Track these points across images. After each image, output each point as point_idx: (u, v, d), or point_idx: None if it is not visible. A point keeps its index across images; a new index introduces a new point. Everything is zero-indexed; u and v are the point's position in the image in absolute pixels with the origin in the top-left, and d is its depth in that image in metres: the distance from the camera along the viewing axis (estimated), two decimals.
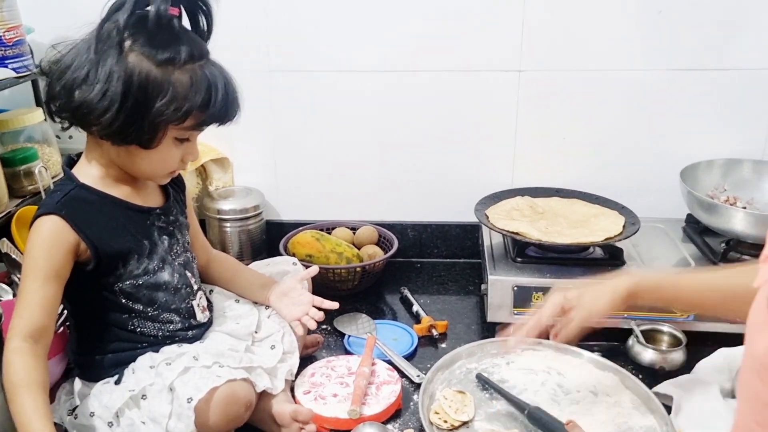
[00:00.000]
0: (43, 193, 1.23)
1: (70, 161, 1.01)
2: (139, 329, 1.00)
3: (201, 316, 1.08)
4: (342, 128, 1.52)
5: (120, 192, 0.99)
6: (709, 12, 1.37)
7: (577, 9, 1.39)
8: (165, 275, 1.02)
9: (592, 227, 1.33)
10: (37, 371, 0.87)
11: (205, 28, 0.99)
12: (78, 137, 1.47)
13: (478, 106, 1.49)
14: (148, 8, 0.90)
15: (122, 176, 0.99)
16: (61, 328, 1.08)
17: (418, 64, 1.46)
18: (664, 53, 1.41)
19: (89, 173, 0.98)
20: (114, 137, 0.92)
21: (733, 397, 1.04)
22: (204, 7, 0.98)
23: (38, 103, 1.41)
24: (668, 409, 1.05)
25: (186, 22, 0.98)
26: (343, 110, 1.51)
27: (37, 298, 0.89)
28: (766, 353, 0.63)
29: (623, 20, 1.40)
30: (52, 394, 1.06)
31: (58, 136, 1.46)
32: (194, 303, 1.07)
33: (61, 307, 1.02)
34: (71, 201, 0.94)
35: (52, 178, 1.31)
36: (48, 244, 0.91)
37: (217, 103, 0.94)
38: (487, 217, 1.36)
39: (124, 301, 0.98)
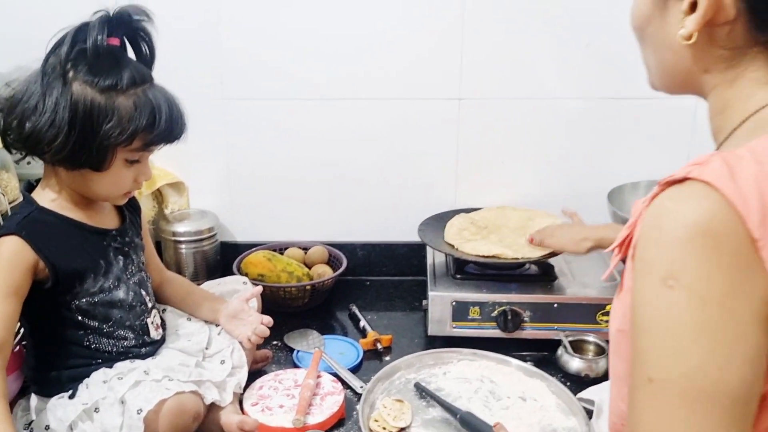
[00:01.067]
0: (0, 217, 1.27)
1: (30, 186, 1.08)
2: (94, 345, 1.06)
3: (154, 334, 1.14)
4: (294, 153, 1.59)
5: (77, 214, 1.05)
6: (632, 46, 1.48)
7: (512, 41, 1.50)
8: (120, 293, 1.08)
9: (524, 242, 1.42)
10: None
11: (148, 54, 1.06)
12: (36, 163, 1.54)
13: (422, 132, 1.58)
14: (87, 41, 0.97)
15: (79, 199, 1.06)
16: (18, 347, 1.13)
17: (364, 93, 1.54)
18: (592, 83, 1.52)
19: (47, 197, 1.04)
20: (66, 163, 0.99)
21: None
22: (144, 35, 1.05)
23: None
24: (590, 412, 1.14)
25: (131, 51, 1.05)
26: (295, 136, 1.58)
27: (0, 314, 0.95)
28: (616, 330, 0.72)
29: (555, 52, 1.51)
30: (9, 410, 1.11)
31: (16, 162, 1.52)
32: (148, 320, 1.13)
33: (18, 325, 1.07)
34: (31, 222, 1.00)
35: (10, 203, 1.36)
36: (8, 263, 0.97)
37: (161, 124, 1.01)
38: (429, 236, 1.45)
39: (80, 318, 1.04)
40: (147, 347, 1.12)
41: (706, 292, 0.56)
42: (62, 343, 1.05)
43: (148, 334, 1.13)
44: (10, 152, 1.03)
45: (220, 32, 1.50)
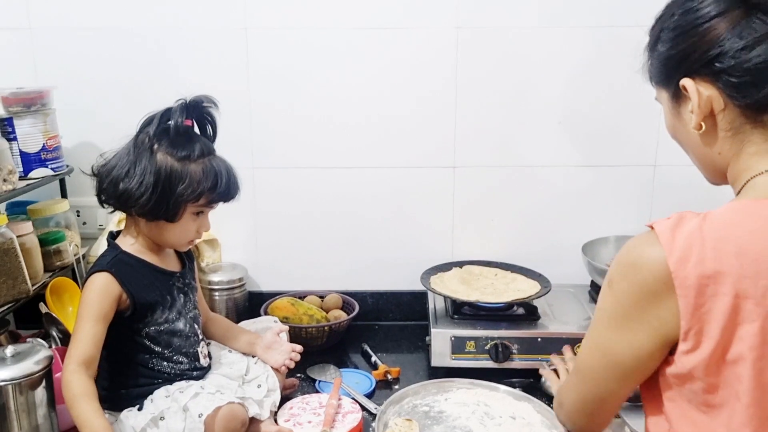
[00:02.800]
0: (75, 266, 1.51)
1: (112, 235, 1.32)
2: (157, 368, 1.28)
3: (203, 361, 1.36)
4: (312, 214, 1.83)
5: (150, 258, 1.30)
6: (596, 122, 1.76)
7: (497, 120, 1.76)
8: (180, 324, 1.31)
9: (513, 290, 1.66)
10: (90, 386, 1.14)
11: (211, 133, 1.34)
12: (91, 223, 1.80)
13: (422, 196, 1.82)
14: (170, 122, 1.25)
15: (151, 246, 1.30)
16: None
17: (373, 162, 1.79)
18: (566, 153, 1.78)
19: (128, 242, 1.29)
20: (147, 215, 1.24)
21: (618, 417, 1.34)
22: (209, 119, 1.33)
23: (64, 195, 1.71)
24: None
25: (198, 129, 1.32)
26: (313, 199, 1.82)
27: (90, 335, 1.18)
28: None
29: (534, 127, 1.77)
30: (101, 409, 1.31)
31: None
32: (199, 349, 1.35)
33: None
34: (117, 262, 1.24)
35: (74, 255, 1.60)
36: (100, 293, 1.20)
37: (222, 186, 1.27)
38: (430, 284, 1.69)
39: (148, 343, 1.27)
40: (197, 371, 1.34)
41: (620, 298, 0.83)
42: (132, 365, 1.27)
43: (198, 361, 1.35)
44: (103, 207, 1.28)
45: (251, 111, 1.77)
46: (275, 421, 1.35)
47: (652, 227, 0.81)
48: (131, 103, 1.74)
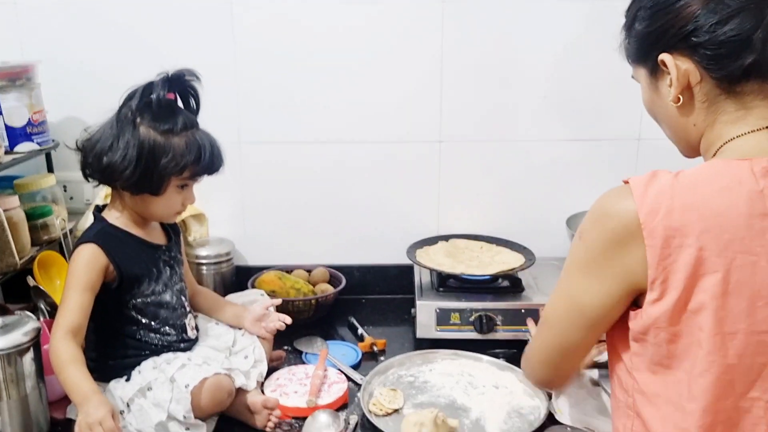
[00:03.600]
0: (62, 240, 1.52)
1: (98, 209, 1.33)
2: (145, 339, 1.30)
3: (190, 333, 1.38)
4: (299, 188, 1.84)
5: (136, 231, 1.31)
6: (580, 97, 1.78)
7: (483, 93, 1.77)
8: (167, 296, 1.33)
9: (497, 262, 1.68)
10: (78, 353, 1.16)
11: (194, 106, 1.34)
12: (78, 198, 1.81)
13: (408, 170, 1.83)
14: (152, 96, 1.25)
15: (137, 219, 1.31)
16: None
17: (360, 137, 1.80)
18: (550, 127, 1.79)
19: (113, 216, 1.30)
20: (131, 188, 1.25)
21: (597, 385, 1.37)
22: (192, 92, 1.33)
23: (50, 170, 1.71)
24: (550, 394, 1.38)
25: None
26: (300, 174, 1.83)
27: (77, 304, 1.19)
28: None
29: (520, 101, 1.78)
30: (67, 400, 1.34)
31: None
32: (186, 321, 1.37)
33: None
34: (103, 234, 1.26)
35: (61, 229, 1.61)
36: (87, 264, 1.22)
37: (205, 159, 1.28)
38: (416, 257, 1.71)
39: (135, 315, 1.28)
40: (185, 343, 1.36)
41: (589, 247, 0.88)
42: (120, 337, 1.29)
43: (186, 333, 1.37)
44: (87, 181, 1.29)
45: (238, 86, 1.77)
46: (262, 391, 1.38)
47: (626, 182, 0.86)
48: (117, 78, 1.72)
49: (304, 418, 1.30)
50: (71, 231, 1.65)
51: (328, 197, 1.86)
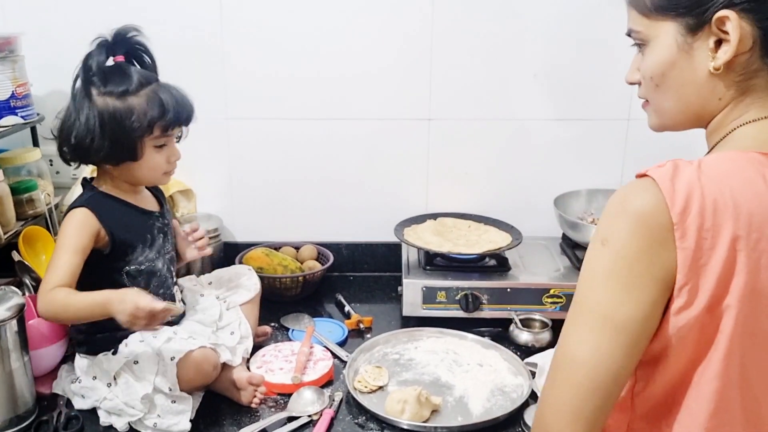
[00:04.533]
0: (48, 215, 1.51)
1: (87, 181, 1.32)
2: None
3: (179, 304, 1.38)
4: (288, 165, 1.83)
5: (128, 198, 1.31)
6: (571, 76, 1.77)
7: (473, 71, 1.76)
8: (159, 264, 1.33)
9: (485, 241, 1.69)
10: (70, 290, 1.17)
11: (150, 62, 1.31)
12: (64, 172, 1.80)
13: (397, 148, 1.82)
14: (95, 62, 1.22)
15: (127, 188, 1.31)
16: None
17: (348, 114, 1.79)
18: (540, 106, 1.78)
19: (104, 185, 1.30)
20: (109, 160, 1.24)
21: None
22: (141, 48, 1.29)
23: (36, 144, 1.69)
24: (534, 373, 1.39)
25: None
26: (288, 150, 1.82)
27: (67, 264, 1.19)
28: None
29: (508, 80, 1.77)
30: (54, 372, 1.35)
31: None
32: (174, 292, 1.38)
33: None
34: (95, 200, 1.26)
35: (47, 204, 1.60)
36: (79, 226, 1.22)
37: (170, 111, 1.25)
38: (404, 235, 1.71)
39: (128, 282, 1.28)
40: (172, 316, 1.36)
41: (622, 252, 0.75)
42: None
43: (174, 304, 1.37)
44: (69, 165, 1.29)
45: (224, 61, 1.75)
46: (248, 368, 1.38)
47: (644, 175, 0.76)
48: None
49: (290, 395, 1.31)
50: (57, 206, 1.64)
51: (316, 174, 1.85)
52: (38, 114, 1.63)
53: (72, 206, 1.25)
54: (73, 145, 1.23)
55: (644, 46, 0.85)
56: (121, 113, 1.21)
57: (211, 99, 1.77)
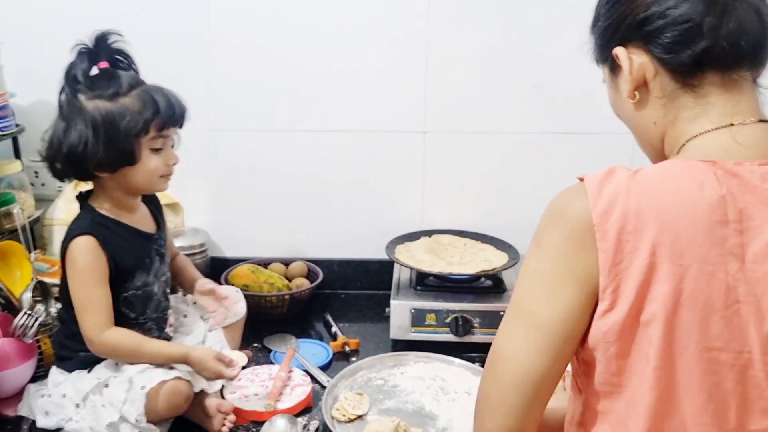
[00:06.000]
0: (20, 231, 1.47)
1: (83, 196, 1.27)
2: None
3: (168, 329, 1.34)
4: (277, 178, 1.77)
5: (128, 220, 1.25)
6: (573, 87, 1.68)
7: (470, 83, 1.69)
8: (155, 288, 1.28)
9: (480, 260, 1.61)
10: (131, 332, 1.22)
11: (130, 67, 1.26)
12: (49, 184, 1.76)
13: (392, 162, 1.76)
14: (79, 70, 1.18)
15: (126, 205, 1.25)
16: (31, 340, 1.31)
17: (341, 126, 1.73)
18: (539, 119, 1.71)
19: (101, 205, 1.24)
20: (106, 167, 1.18)
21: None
22: (121, 55, 1.25)
23: (17, 156, 1.66)
24: None
25: None
26: (278, 163, 1.76)
27: (104, 298, 1.18)
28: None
29: (507, 92, 1.69)
30: (21, 392, 1.30)
31: (32, 184, 1.72)
32: (168, 315, 1.33)
33: (35, 318, 1.27)
34: (97, 225, 1.20)
35: (28, 218, 1.56)
36: (92, 256, 1.18)
37: (164, 109, 1.20)
38: (395, 253, 1.64)
39: (124, 309, 1.24)
40: (161, 339, 1.32)
41: (547, 253, 0.78)
42: None
43: (164, 329, 1.33)
44: (63, 181, 1.25)
45: (213, 72, 1.70)
46: (222, 393, 1.32)
47: (581, 179, 0.79)
48: None
49: (263, 423, 1.24)
50: (38, 219, 1.60)
51: (308, 189, 1.79)
52: (18, 125, 1.59)
53: (74, 233, 1.19)
54: (66, 156, 1.17)
55: None
56: (115, 114, 1.16)
57: (199, 111, 1.69)
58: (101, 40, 1.21)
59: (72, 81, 1.18)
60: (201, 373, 1.23)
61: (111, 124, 1.16)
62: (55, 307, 1.38)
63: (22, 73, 1.64)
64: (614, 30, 0.84)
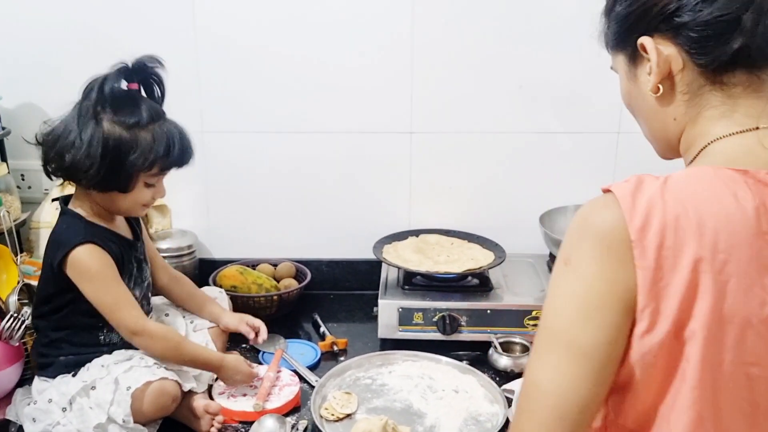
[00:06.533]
0: (6, 234, 1.46)
1: (65, 201, 1.26)
2: (107, 339, 1.26)
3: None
4: (265, 179, 1.77)
5: (109, 226, 1.25)
6: (558, 87, 1.70)
7: (456, 83, 1.69)
8: (137, 293, 1.28)
9: (467, 258, 1.62)
10: (171, 329, 1.29)
11: (159, 95, 1.27)
12: (35, 187, 1.75)
13: (379, 162, 1.76)
14: (114, 86, 1.17)
15: (105, 214, 1.25)
16: (18, 343, 1.31)
17: (328, 127, 1.73)
18: (525, 119, 1.72)
19: (85, 212, 1.24)
20: (97, 187, 1.18)
21: None
22: (156, 79, 1.26)
23: (3, 159, 1.64)
24: (511, 400, 1.32)
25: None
26: (266, 164, 1.76)
27: (129, 293, 1.21)
28: None
29: (493, 92, 1.70)
30: (9, 396, 1.30)
31: (18, 187, 1.71)
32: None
33: (21, 321, 1.26)
34: (91, 232, 1.20)
35: (14, 221, 1.55)
36: (102, 259, 1.19)
37: (175, 152, 1.21)
38: (382, 253, 1.64)
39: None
40: None
41: (582, 272, 0.71)
42: (79, 334, 1.24)
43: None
44: (51, 179, 1.23)
45: (200, 75, 1.70)
46: (210, 394, 1.32)
47: (608, 190, 0.73)
48: (73, 66, 1.67)
49: (252, 423, 1.25)
50: (24, 222, 1.60)
51: (296, 189, 1.80)
52: (4, 128, 1.59)
53: (72, 242, 1.18)
54: (67, 164, 1.17)
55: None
56: (126, 144, 1.16)
57: (186, 112, 1.68)
58: (141, 62, 1.22)
59: (100, 93, 1.17)
60: (233, 377, 1.31)
61: (119, 151, 1.16)
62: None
63: (8, 75, 1.63)
64: (638, 17, 0.78)
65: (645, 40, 0.77)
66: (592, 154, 1.74)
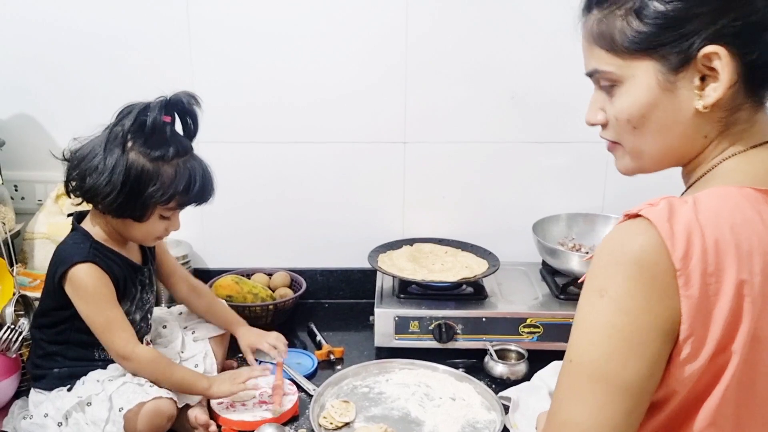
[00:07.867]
0: (1, 245, 1.46)
1: (78, 218, 1.27)
2: (102, 356, 1.25)
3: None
4: (260, 189, 1.78)
5: (120, 249, 1.26)
6: (550, 97, 1.72)
7: (449, 93, 1.71)
8: (137, 317, 1.29)
9: (461, 266, 1.63)
10: (158, 352, 1.26)
11: (192, 128, 1.27)
12: (29, 198, 1.75)
13: (373, 172, 1.77)
14: (146, 118, 1.17)
15: (119, 238, 1.26)
16: (15, 355, 1.31)
17: (323, 138, 1.74)
18: (518, 129, 1.74)
19: (97, 234, 1.24)
20: (113, 213, 1.19)
21: None
22: (191, 116, 1.26)
23: None
24: (507, 408, 1.33)
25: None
26: (260, 175, 1.77)
27: (123, 316, 1.20)
28: None
29: (486, 102, 1.72)
30: (6, 408, 1.29)
31: (12, 198, 1.71)
32: (145, 338, 1.33)
33: (18, 332, 1.26)
34: (95, 253, 1.20)
35: (9, 231, 1.55)
36: (100, 280, 1.19)
37: (194, 189, 1.22)
38: (377, 262, 1.65)
39: None
40: None
41: (624, 305, 0.68)
42: (74, 349, 1.24)
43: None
44: (69, 197, 1.24)
45: (193, 83, 1.70)
46: (208, 403, 1.32)
47: (637, 215, 0.70)
48: (68, 75, 1.69)
49: None
50: (19, 233, 1.59)
51: (290, 199, 1.80)
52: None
53: (75, 259, 1.19)
54: (87, 187, 1.17)
55: (615, 86, 0.78)
56: (148, 176, 1.17)
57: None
58: (178, 98, 1.22)
59: (134, 122, 1.17)
60: (223, 396, 1.29)
61: (139, 181, 1.17)
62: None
63: (2, 86, 1.63)
64: (704, 24, 0.70)
65: (718, 50, 0.70)
66: (584, 163, 1.76)
